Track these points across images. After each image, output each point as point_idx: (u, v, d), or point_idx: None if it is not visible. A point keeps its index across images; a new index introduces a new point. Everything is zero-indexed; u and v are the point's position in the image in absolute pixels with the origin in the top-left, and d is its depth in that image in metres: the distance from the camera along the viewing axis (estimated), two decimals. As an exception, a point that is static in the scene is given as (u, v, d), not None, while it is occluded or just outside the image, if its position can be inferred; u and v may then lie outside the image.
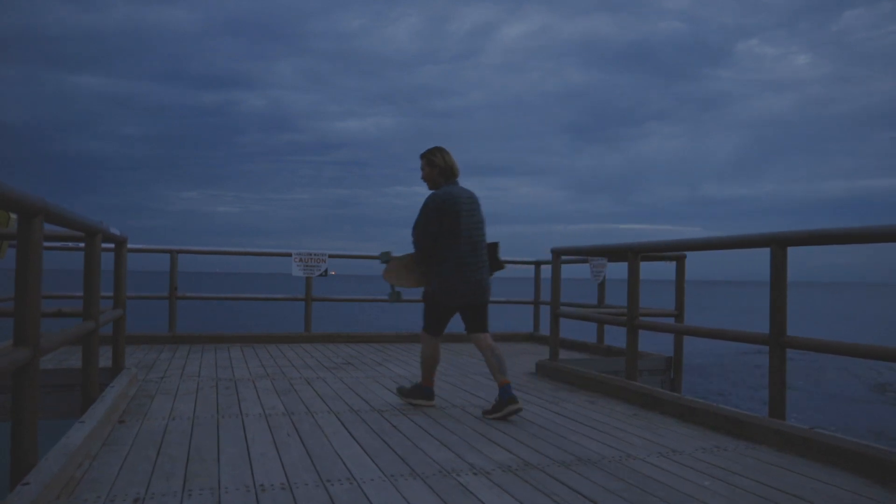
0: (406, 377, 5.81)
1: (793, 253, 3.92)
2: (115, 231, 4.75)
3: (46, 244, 3.01)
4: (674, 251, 6.06)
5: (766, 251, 4.00)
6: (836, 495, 2.78)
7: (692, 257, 6.34)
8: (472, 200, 4.47)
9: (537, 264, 9.31)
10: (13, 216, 5.57)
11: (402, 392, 4.73)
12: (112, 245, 5.10)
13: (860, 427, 10.97)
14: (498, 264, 4.61)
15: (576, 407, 4.66)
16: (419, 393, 4.65)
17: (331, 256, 8.44)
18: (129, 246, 5.76)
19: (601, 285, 7.88)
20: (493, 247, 4.59)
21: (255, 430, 3.77)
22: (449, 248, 4.34)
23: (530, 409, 4.55)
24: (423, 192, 4.52)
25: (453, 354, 7.54)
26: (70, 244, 5.86)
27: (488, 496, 2.71)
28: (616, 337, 6.76)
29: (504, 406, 4.21)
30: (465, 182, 4.51)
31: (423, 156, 4.55)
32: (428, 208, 4.35)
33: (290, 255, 8.31)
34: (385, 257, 4.72)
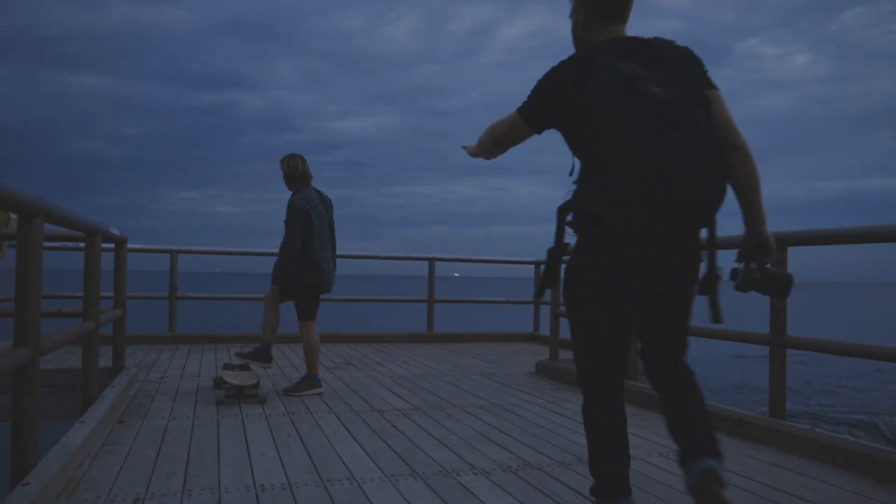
0: (407, 377, 5.81)
1: (793, 253, 3.91)
2: (115, 231, 4.75)
3: (46, 244, 3.01)
4: (674, 251, 6.05)
5: (766, 251, 4.00)
6: (836, 495, 2.78)
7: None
8: (325, 202, 5.00)
9: (537, 264, 9.30)
10: (13, 216, 5.57)
11: (291, 391, 4.81)
12: (112, 245, 5.10)
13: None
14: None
15: (576, 407, 4.65)
16: (311, 383, 4.85)
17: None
18: (129, 246, 5.76)
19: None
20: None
21: (255, 430, 3.77)
22: (309, 242, 4.82)
23: (530, 409, 4.56)
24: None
25: (454, 354, 7.54)
26: (70, 244, 5.85)
27: (488, 496, 2.71)
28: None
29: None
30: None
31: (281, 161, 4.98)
32: (294, 210, 4.77)
33: None
34: None
